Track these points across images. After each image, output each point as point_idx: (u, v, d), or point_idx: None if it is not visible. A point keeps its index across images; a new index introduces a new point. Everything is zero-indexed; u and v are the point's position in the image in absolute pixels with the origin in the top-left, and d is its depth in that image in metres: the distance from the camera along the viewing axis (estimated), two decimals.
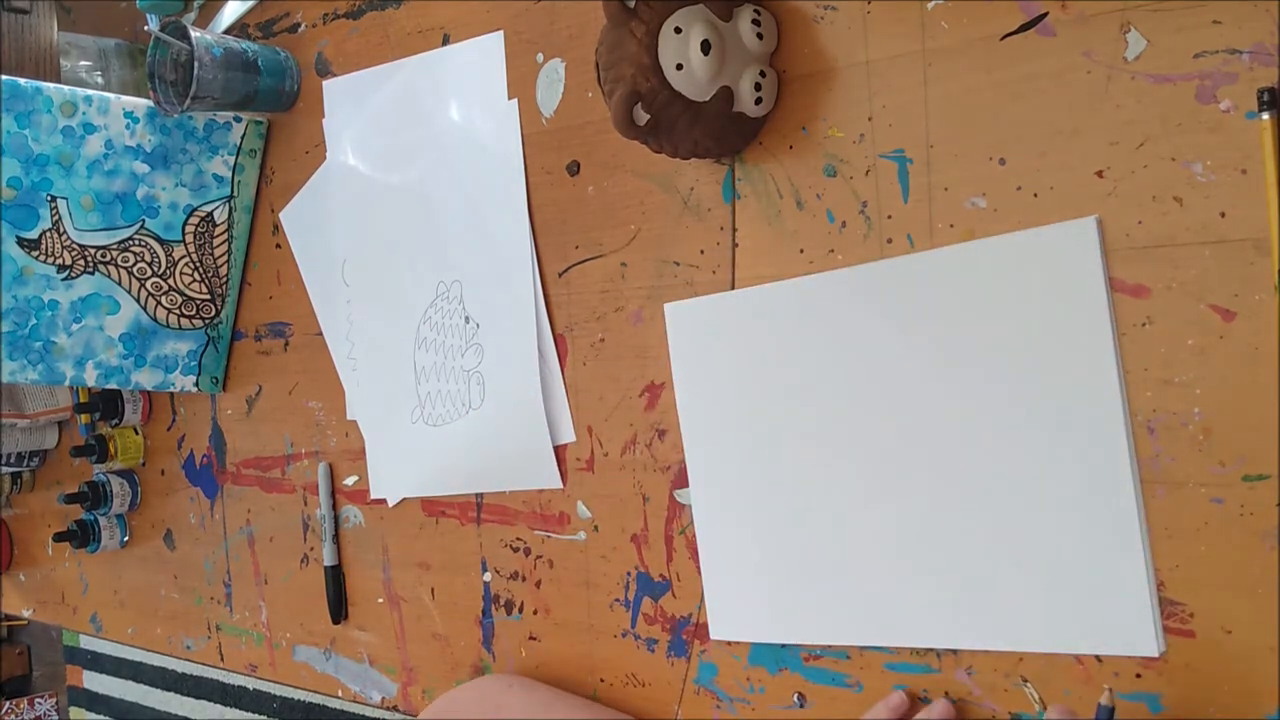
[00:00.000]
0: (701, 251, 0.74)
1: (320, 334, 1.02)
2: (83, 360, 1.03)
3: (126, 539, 1.27)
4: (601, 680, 0.82)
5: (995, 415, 0.62)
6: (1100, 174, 0.58)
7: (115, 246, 1.03)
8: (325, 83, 1.00)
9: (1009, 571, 0.62)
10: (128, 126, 1.01)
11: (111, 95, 1.00)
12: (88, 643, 3.63)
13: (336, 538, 1.01)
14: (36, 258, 0.99)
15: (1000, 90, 0.61)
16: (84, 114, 0.98)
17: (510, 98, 0.85)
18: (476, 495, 0.90)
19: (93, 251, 1.02)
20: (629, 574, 0.80)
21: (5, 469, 1.40)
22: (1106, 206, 0.58)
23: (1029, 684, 0.62)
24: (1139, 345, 0.57)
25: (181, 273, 1.06)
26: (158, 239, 1.05)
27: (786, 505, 0.71)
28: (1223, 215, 0.54)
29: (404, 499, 0.95)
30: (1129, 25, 0.56)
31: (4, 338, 0.99)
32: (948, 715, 0.64)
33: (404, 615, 0.96)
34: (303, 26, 1.02)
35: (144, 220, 1.04)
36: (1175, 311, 0.56)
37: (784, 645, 0.72)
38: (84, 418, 1.28)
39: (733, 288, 0.73)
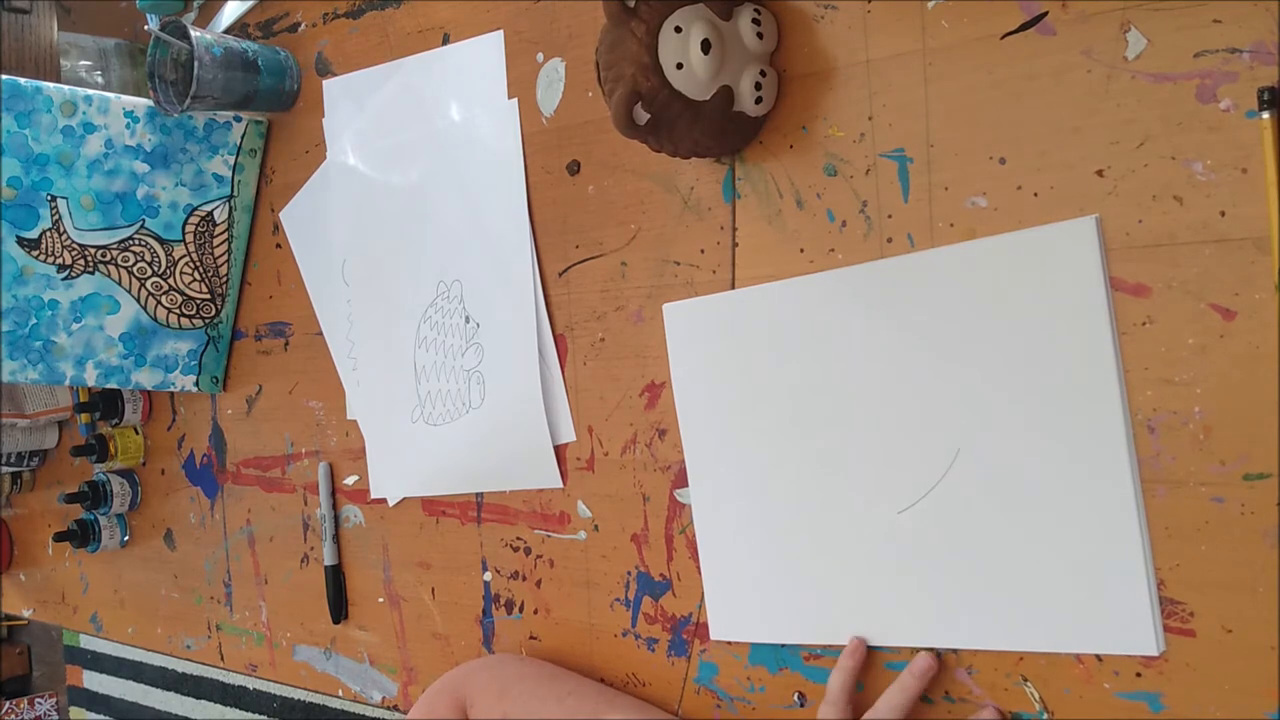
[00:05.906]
0: (701, 251, 0.74)
1: (320, 334, 1.02)
2: (83, 360, 1.03)
3: (126, 539, 1.27)
4: (602, 679, 0.82)
5: (995, 414, 0.62)
6: (1100, 173, 0.58)
7: (115, 246, 1.03)
8: (325, 82, 1.00)
9: (1009, 571, 0.62)
10: (128, 126, 1.01)
11: (111, 95, 1.00)
12: (88, 642, 3.63)
13: (337, 537, 1.01)
14: (36, 257, 0.99)
15: (1000, 89, 0.61)
16: (84, 114, 0.98)
17: (510, 97, 0.85)
18: (477, 495, 0.90)
19: (93, 251, 1.02)
20: (629, 573, 0.80)
21: (5, 469, 1.40)
22: (1107, 205, 0.58)
23: (1029, 684, 0.62)
24: (1139, 344, 0.57)
25: (181, 272, 1.06)
26: (158, 238, 1.05)
27: (786, 505, 0.71)
28: (1223, 214, 0.54)
29: (404, 499, 0.95)
30: (1129, 24, 0.56)
31: (4, 337, 0.99)
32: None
33: (404, 615, 0.96)
34: (303, 26, 1.02)
35: (144, 220, 1.04)
36: (1175, 310, 0.56)
37: (784, 645, 0.72)
38: (84, 417, 1.28)
39: (733, 287, 0.73)
